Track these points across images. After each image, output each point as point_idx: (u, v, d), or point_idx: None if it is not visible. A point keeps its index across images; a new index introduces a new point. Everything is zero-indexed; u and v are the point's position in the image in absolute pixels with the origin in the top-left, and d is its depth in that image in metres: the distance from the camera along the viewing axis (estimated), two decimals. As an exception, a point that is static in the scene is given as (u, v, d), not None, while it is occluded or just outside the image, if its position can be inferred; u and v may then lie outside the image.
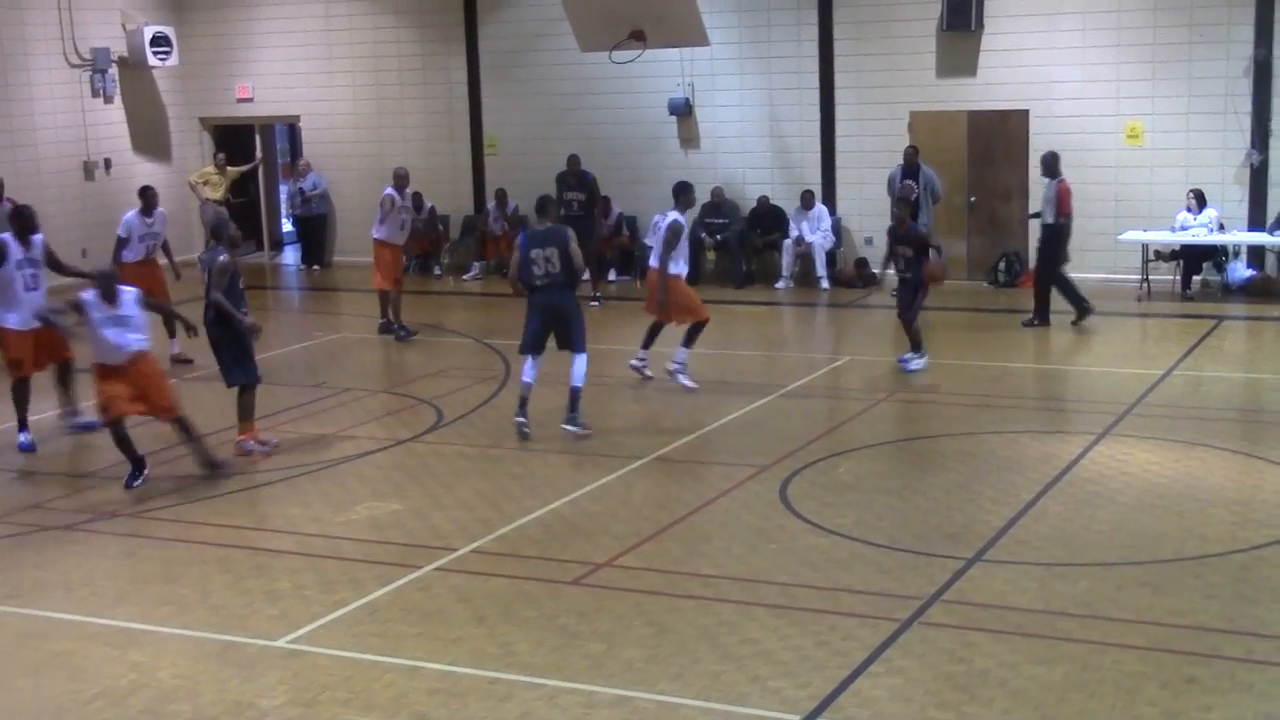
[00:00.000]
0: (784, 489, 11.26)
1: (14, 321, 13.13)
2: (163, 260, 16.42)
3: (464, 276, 22.92)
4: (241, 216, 25.00)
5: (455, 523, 10.71)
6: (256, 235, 25.94)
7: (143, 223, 16.13)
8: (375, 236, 17.94)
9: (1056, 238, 17.49)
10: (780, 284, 21.05)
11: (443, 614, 8.93)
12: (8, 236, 13.21)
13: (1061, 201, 17.42)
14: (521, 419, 13.18)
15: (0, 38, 22.18)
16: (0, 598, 9.47)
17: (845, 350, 16.59)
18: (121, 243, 16.02)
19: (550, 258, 12.98)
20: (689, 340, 14.72)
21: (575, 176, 20.91)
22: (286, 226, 26.83)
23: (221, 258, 12.62)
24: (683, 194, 14.67)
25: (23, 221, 13.36)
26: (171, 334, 16.13)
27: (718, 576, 9.45)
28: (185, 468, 12.39)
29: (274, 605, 9.15)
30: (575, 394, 13.12)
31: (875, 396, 14.52)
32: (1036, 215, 18.25)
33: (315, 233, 24.70)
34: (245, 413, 12.88)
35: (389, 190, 17.93)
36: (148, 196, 16.31)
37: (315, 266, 24.58)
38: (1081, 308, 17.56)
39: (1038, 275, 17.91)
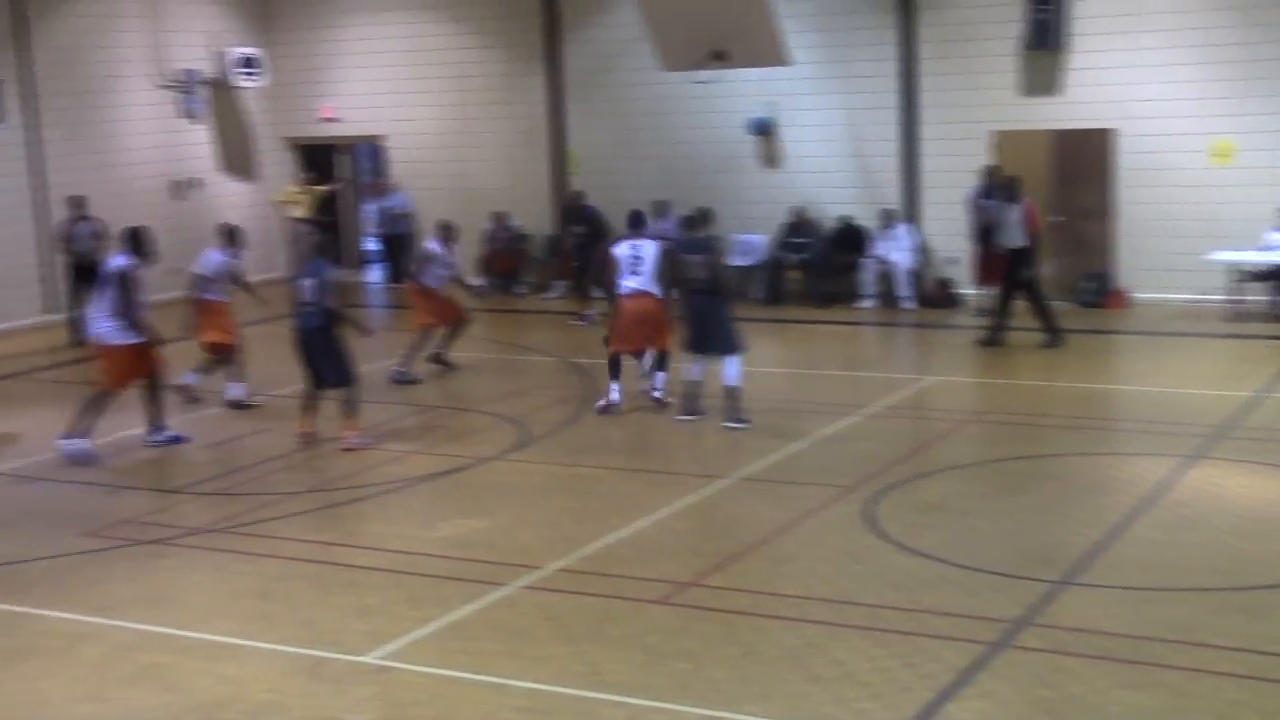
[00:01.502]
0: (869, 510, 11.21)
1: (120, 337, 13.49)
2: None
3: (545, 296, 23.01)
4: (326, 236, 25.31)
5: (541, 541, 10.75)
6: (340, 255, 26.21)
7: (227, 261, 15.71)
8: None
9: (1027, 260, 17.58)
10: (863, 304, 20.98)
11: (529, 632, 8.97)
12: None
13: (1032, 222, 17.46)
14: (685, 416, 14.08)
15: (93, 60, 22.59)
16: (92, 610, 9.62)
17: (930, 371, 16.50)
18: (205, 280, 15.59)
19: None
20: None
21: (577, 211, 21.67)
22: (371, 245, 27.04)
23: (333, 271, 13.71)
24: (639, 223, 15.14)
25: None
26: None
27: (803, 597, 9.42)
28: (274, 484, 12.56)
29: (363, 621, 9.23)
30: (728, 392, 13.96)
31: (960, 417, 14.43)
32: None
33: (399, 251, 24.87)
34: (355, 409, 13.71)
35: (432, 243, 17.56)
36: (233, 234, 15.89)
37: (399, 285, 24.74)
38: (1055, 331, 17.57)
39: (1008, 297, 17.82)
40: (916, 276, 20.99)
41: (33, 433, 14.79)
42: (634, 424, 14.37)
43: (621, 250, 14.62)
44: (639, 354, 14.92)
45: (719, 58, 19.70)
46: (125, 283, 13.36)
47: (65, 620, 9.46)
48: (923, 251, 21.23)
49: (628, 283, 14.39)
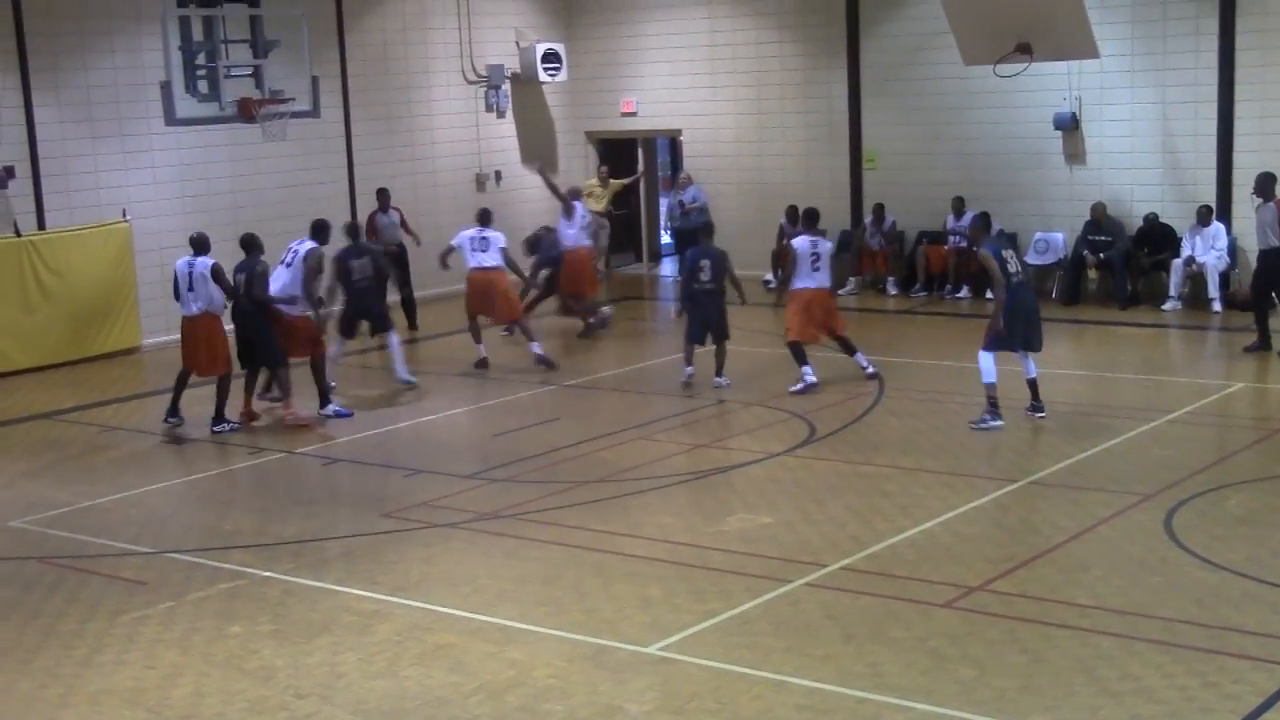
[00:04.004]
0: (1169, 520, 10.77)
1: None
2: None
3: (838, 291, 22.74)
4: (621, 228, 25.69)
5: (826, 538, 10.66)
6: (636, 247, 26.53)
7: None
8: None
9: (1272, 263, 16.76)
10: (1168, 305, 20.17)
11: (811, 630, 8.90)
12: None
13: None
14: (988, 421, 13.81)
15: (408, 56, 23.37)
16: (391, 589, 9.96)
17: (1238, 376, 15.76)
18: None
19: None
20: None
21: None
22: (665, 239, 27.30)
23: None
24: None
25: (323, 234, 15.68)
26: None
27: (1096, 607, 9.11)
28: (562, 474, 12.77)
29: (646, 612, 9.30)
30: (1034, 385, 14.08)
31: (1271, 426, 13.74)
32: None
33: (694, 245, 24.98)
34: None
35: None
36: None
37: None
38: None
39: (1256, 300, 17.22)
40: (1225, 278, 20.06)
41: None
42: (925, 423, 14.13)
43: (801, 245, 15.66)
44: (840, 341, 16.12)
45: (1024, 51, 19.18)
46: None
47: (362, 598, 9.81)
48: (1232, 253, 20.27)
49: (806, 280, 15.58)
